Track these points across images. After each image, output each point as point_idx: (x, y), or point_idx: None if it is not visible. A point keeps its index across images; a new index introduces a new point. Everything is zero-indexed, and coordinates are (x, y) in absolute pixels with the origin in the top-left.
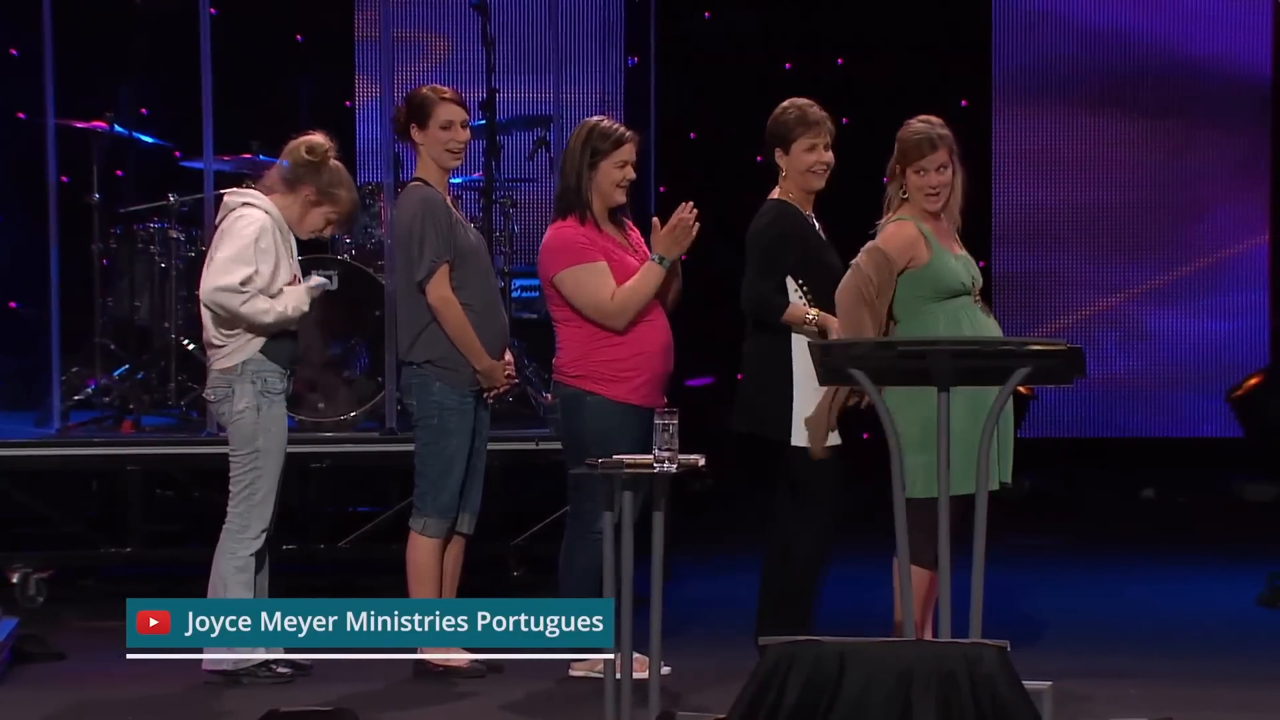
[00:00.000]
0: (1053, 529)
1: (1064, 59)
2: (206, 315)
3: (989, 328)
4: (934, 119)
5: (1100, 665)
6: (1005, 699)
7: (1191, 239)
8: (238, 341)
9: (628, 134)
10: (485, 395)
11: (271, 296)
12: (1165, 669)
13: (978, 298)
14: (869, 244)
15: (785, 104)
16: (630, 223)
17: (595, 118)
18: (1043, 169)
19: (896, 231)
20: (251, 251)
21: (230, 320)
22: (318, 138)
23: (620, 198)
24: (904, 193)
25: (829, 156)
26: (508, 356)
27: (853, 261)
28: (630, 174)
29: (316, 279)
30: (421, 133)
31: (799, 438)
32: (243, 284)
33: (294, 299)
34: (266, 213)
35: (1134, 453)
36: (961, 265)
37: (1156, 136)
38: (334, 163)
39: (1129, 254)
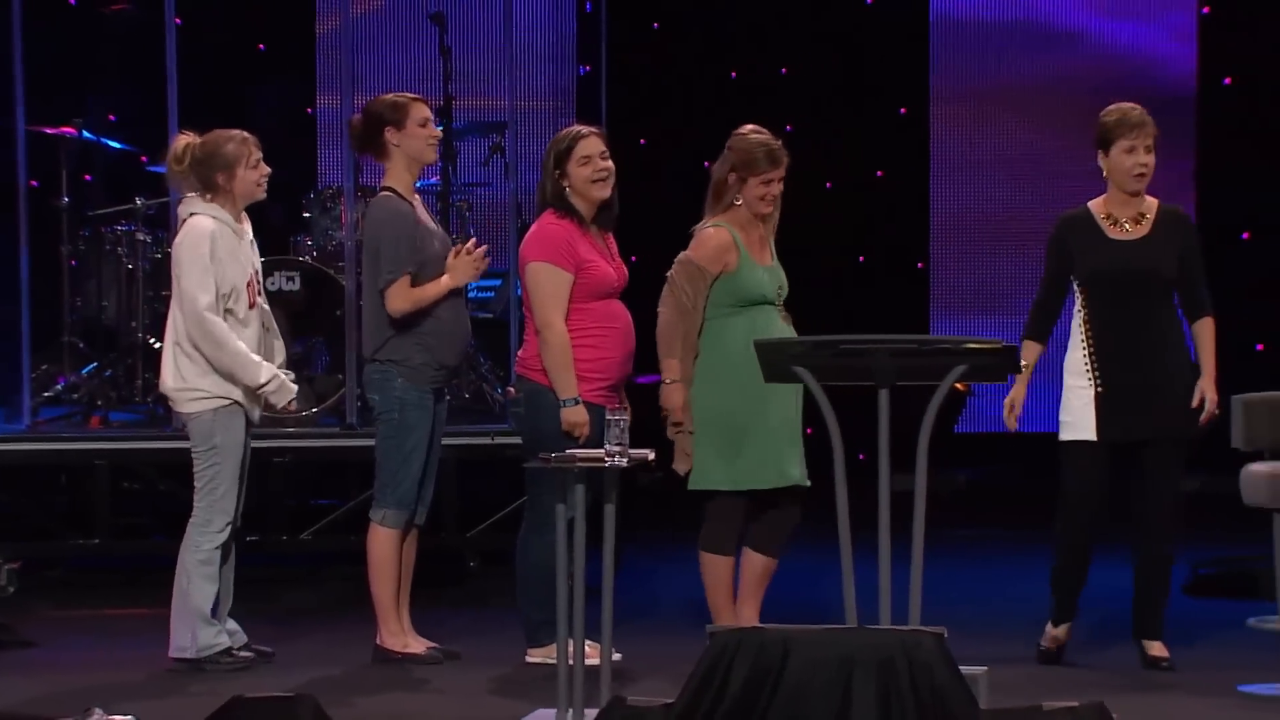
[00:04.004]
0: (989, 520)
1: (999, 67)
2: (179, 356)
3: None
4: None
5: (1034, 651)
6: (942, 684)
7: None
8: (200, 392)
9: (582, 130)
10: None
11: (224, 298)
12: (1097, 655)
13: (781, 307)
14: (682, 254)
15: (1111, 107)
16: (609, 234)
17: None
18: (978, 173)
19: (709, 239)
20: (207, 262)
21: (204, 339)
22: (174, 147)
23: (600, 191)
24: (737, 199)
25: (1149, 159)
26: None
27: (669, 274)
28: (600, 165)
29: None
30: (400, 133)
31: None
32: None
33: (252, 372)
34: (214, 218)
35: None
36: (768, 275)
37: (1088, 142)
38: (199, 144)
39: None
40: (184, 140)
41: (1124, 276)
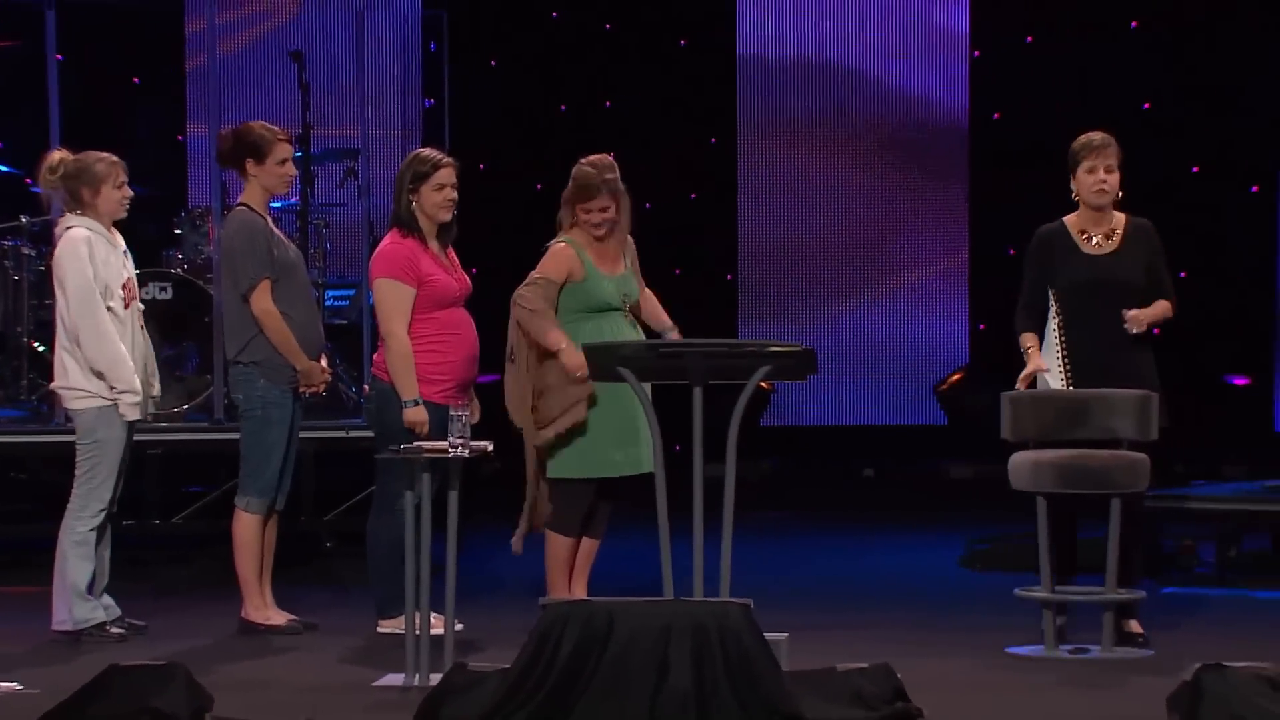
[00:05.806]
0: (790, 504)
1: (799, 102)
2: (66, 358)
3: (630, 338)
4: (603, 160)
5: (830, 619)
6: (749, 648)
7: (907, 255)
8: (84, 391)
9: (445, 160)
10: (303, 391)
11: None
12: (884, 621)
13: (628, 312)
14: (533, 272)
15: (1081, 136)
16: (449, 248)
17: (422, 149)
18: (781, 196)
19: (553, 254)
20: (88, 270)
21: (87, 330)
22: (49, 159)
23: (444, 215)
24: (574, 219)
25: (1109, 178)
26: (323, 361)
27: (514, 295)
28: (450, 195)
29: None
30: (258, 167)
31: None
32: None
33: (124, 373)
34: (88, 229)
35: (857, 438)
36: (615, 284)
37: (878, 168)
38: (73, 160)
39: (856, 267)
40: (58, 154)
41: (1096, 287)
